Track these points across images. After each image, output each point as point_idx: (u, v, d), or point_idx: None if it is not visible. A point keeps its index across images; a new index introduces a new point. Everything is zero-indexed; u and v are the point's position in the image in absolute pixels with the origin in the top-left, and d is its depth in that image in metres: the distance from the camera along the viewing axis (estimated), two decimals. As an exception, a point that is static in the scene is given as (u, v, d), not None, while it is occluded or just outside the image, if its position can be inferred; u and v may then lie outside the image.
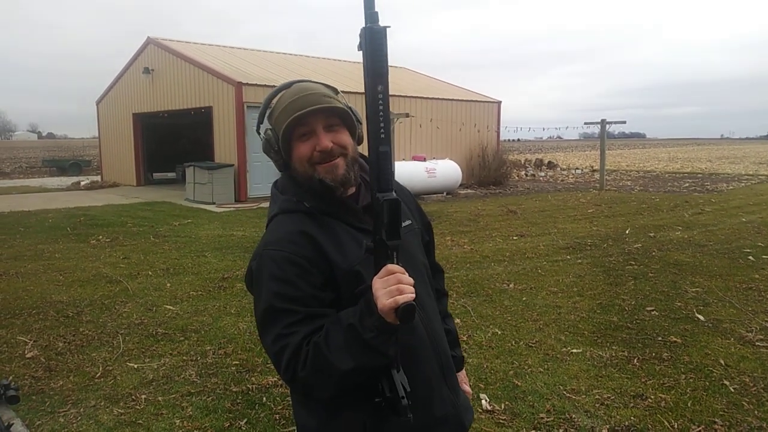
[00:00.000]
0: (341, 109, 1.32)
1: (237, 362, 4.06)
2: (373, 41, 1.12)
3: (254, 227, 9.97)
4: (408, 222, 1.44)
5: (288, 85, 1.37)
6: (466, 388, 1.62)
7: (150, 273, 6.65)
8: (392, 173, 1.17)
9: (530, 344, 4.32)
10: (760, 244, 7.83)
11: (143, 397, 3.55)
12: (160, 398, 3.53)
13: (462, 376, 1.64)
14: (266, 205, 11.03)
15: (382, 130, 1.15)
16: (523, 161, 27.00)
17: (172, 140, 20.68)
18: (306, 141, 1.31)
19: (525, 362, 3.99)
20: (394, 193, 1.16)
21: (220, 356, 4.18)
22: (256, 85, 14.12)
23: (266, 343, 1.27)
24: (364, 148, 1.38)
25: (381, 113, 1.14)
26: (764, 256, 7.03)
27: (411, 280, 1.15)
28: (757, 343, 4.22)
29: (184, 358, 4.16)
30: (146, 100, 17.74)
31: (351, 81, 16.98)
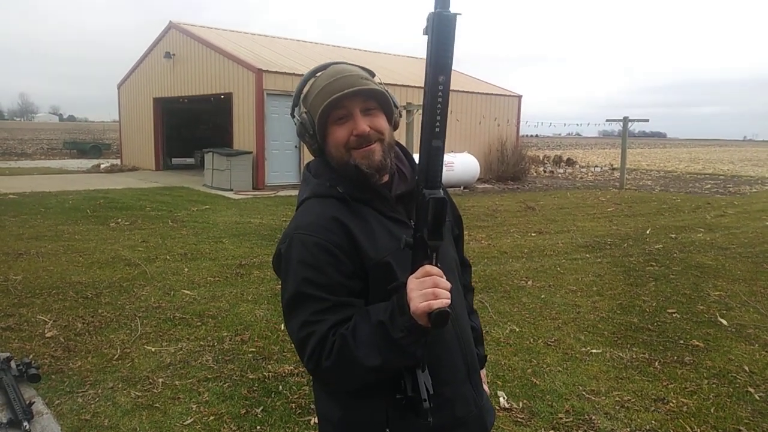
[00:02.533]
0: (379, 92, 1.27)
1: (254, 349, 4.06)
2: (440, 28, 1.03)
3: (272, 215, 9.99)
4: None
5: (324, 67, 1.32)
6: (485, 387, 1.58)
7: (168, 257, 6.68)
8: (442, 170, 1.11)
9: (549, 343, 4.27)
10: (785, 249, 7.67)
11: (160, 380, 3.56)
12: (177, 382, 3.54)
13: (482, 374, 1.61)
14: (284, 193, 11.06)
15: (437, 124, 1.09)
16: (541, 157, 26.74)
17: (191, 126, 20.79)
18: (342, 124, 1.26)
19: (543, 361, 3.94)
20: (442, 191, 1.10)
21: (237, 343, 4.18)
22: (276, 72, 14.11)
23: (291, 329, 1.24)
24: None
25: (439, 106, 1.08)
26: (789, 262, 6.88)
27: (448, 285, 1.11)
28: (782, 351, 4.13)
29: (201, 343, 4.17)
30: (167, 84, 17.82)
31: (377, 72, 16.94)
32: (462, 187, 15.30)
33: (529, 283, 5.87)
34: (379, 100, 1.29)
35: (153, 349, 4.04)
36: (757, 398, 3.42)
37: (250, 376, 3.64)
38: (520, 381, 3.62)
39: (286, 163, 14.48)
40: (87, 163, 21.39)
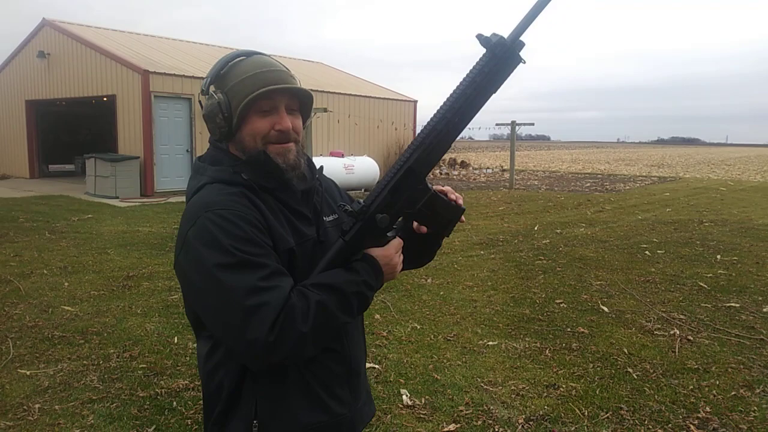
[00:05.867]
0: (308, 95, 1.30)
1: (144, 365, 3.81)
2: (498, 66, 1.17)
3: (161, 223, 9.47)
4: (334, 216, 1.38)
5: (247, 54, 1.28)
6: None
7: (45, 272, 6.12)
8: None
9: (448, 338, 4.38)
10: (654, 240, 8.43)
11: (37, 406, 3.23)
12: (56, 407, 3.23)
13: None
14: (175, 200, 10.51)
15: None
16: (437, 160, 27.49)
17: (71, 130, 19.22)
18: (265, 117, 1.24)
19: (444, 356, 4.03)
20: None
21: (125, 359, 3.90)
22: (164, 74, 13.42)
23: (232, 301, 1.10)
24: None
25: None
26: (659, 251, 7.57)
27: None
28: (655, 332, 4.51)
29: (85, 362, 3.85)
30: (42, 86, 16.38)
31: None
32: (363, 190, 15.41)
33: (429, 280, 6.00)
34: (302, 102, 1.31)
35: (28, 373, 3.66)
36: (635, 377, 3.71)
37: (141, 394, 3.41)
38: (422, 377, 3.68)
39: (176, 167, 13.81)
40: (-54, 171, 19.14)
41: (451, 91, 1.20)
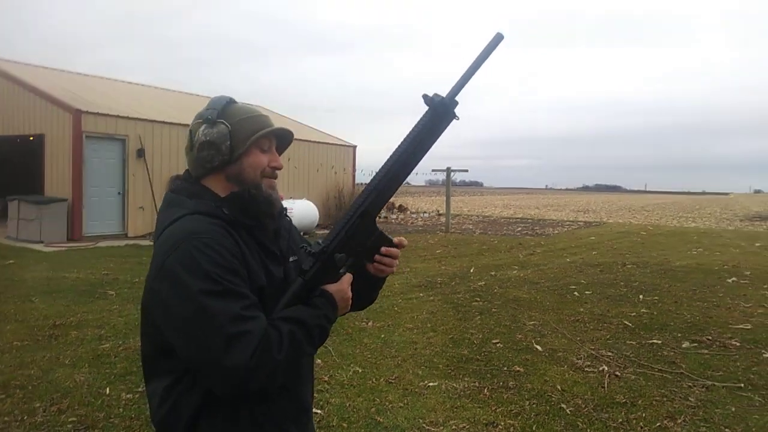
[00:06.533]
0: (290, 141, 1.49)
1: (74, 418, 3.62)
2: (438, 121, 1.35)
3: (90, 269, 9.08)
4: (294, 258, 1.46)
5: (231, 98, 1.42)
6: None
7: (-40, 321, 5.73)
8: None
9: (390, 380, 4.42)
10: (582, 281, 8.85)
11: (-48, 467, 3.01)
12: (-25, 467, 3.02)
13: None
14: (105, 244, 10.17)
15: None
16: (375, 204, 27.84)
17: (-9, 170, 18.22)
18: (264, 153, 1.39)
19: (386, 398, 4.06)
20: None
21: (53, 413, 3.70)
22: (97, 113, 13.08)
23: (216, 327, 1.14)
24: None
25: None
26: (587, 292, 7.96)
27: None
28: (585, 369, 4.73)
29: (6, 419, 3.61)
30: (-41, 123, 15.55)
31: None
32: (302, 233, 15.33)
33: (370, 324, 6.04)
34: (282, 147, 1.48)
35: (-58, 431, 3.41)
36: (569, 412, 3.87)
37: (70, 449, 3.24)
38: (365, 421, 3.69)
39: (107, 211, 13.33)
40: None
41: (399, 143, 1.37)
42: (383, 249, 1.43)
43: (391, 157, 1.36)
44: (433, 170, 20.09)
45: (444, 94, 1.34)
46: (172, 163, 14.44)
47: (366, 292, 1.51)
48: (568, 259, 11.50)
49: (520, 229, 19.91)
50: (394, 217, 24.10)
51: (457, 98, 1.35)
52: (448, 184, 18.88)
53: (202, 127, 1.36)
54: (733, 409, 3.92)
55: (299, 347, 1.24)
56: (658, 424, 3.68)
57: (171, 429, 1.28)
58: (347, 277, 1.39)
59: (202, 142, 1.34)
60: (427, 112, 1.35)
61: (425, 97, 1.34)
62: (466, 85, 1.36)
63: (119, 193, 13.47)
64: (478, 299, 7.38)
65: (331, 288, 1.36)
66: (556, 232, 18.73)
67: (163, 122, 14.47)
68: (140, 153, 13.65)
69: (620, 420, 3.74)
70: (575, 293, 7.88)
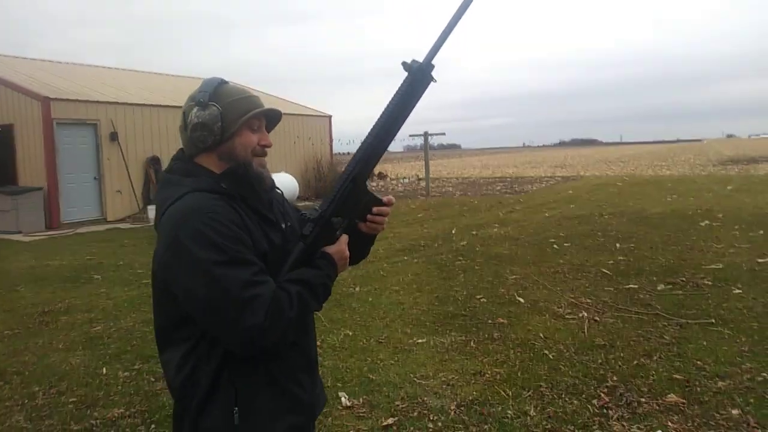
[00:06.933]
0: (279, 120, 1.55)
1: (74, 399, 3.71)
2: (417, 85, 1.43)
3: (73, 255, 9.05)
4: (288, 224, 1.55)
5: (222, 80, 1.47)
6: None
7: (-52, 315, 5.73)
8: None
9: (380, 340, 4.57)
10: (561, 234, 9.07)
11: (-40, 452, 3.10)
12: (-18, 450, 3.11)
13: None
14: (84, 230, 10.12)
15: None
16: (354, 173, 27.87)
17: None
18: (254, 132, 1.46)
19: (377, 357, 4.21)
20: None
21: (53, 396, 3.78)
22: (67, 100, 12.82)
23: (230, 294, 1.24)
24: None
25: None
26: (565, 244, 8.17)
27: None
28: (566, 317, 4.93)
29: (8, 404, 3.69)
30: None
31: (174, 95, 16.22)
32: (282, 207, 15.37)
33: (357, 289, 6.18)
34: (271, 125, 1.55)
35: (-56, 420, 3.47)
36: (551, 358, 4.06)
37: (75, 428, 3.34)
38: (359, 379, 3.84)
39: (84, 197, 13.18)
40: None
41: (383, 110, 1.45)
42: (374, 209, 1.52)
43: (376, 123, 1.44)
44: (410, 135, 20.12)
45: (421, 60, 1.42)
46: (146, 144, 14.26)
47: (360, 248, 1.60)
48: (546, 214, 11.72)
49: (499, 188, 20.13)
50: (374, 184, 24.16)
51: (433, 62, 1.43)
52: (426, 149, 18.94)
53: (195, 110, 1.41)
54: (705, 344, 4.15)
55: (307, 305, 1.36)
56: (635, 362, 3.89)
57: (192, 392, 1.38)
58: (344, 238, 1.50)
59: (194, 124, 1.40)
60: (406, 78, 1.42)
61: (404, 64, 1.42)
62: (442, 47, 1.43)
63: (95, 178, 13.31)
64: (461, 258, 7.55)
65: (330, 249, 1.47)
66: (535, 188, 18.98)
67: (135, 104, 14.23)
68: (113, 137, 13.45)
69: (600, 361, 3.94)
70: (554, 246, 8.09)
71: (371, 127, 1.45)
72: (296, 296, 1.33)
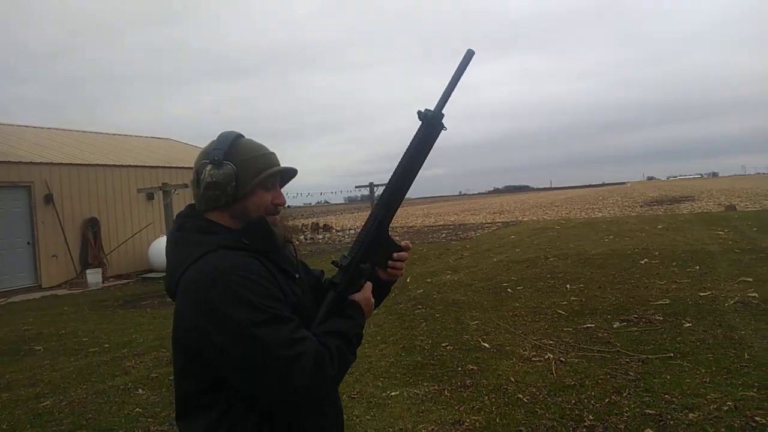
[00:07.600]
0: (293, 177, 1.54)
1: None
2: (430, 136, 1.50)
3: (7, 326, 8.44)
4: (298, 276, 1.54)
5: (239, 134, 1.46)
6: None
7: None
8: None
9: (352, 396, 4.47)
10: (512, 278, 9.29)
11: None
12: None
13: None
14: (18, 299, 9.53)
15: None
16: (300, 226, 27.75)
17: None
18: (267, 192, 1.44)
19: (352, 413, 4.11)
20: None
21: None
22: (-2, 162, 12.23)
23: (275, 354, 1.21)
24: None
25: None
26: (519, 288, 8.37)
27: None
28: (533, 359, 5.01)
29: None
30: None
31: (112, 154, 15.82)
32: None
33: (320, 344, 6.05)
34: (286, 183, 1.55)
35: None
36: (526, 401, 4.09)
37: None
38: (336, 438, 3.72)
39: (17, 263, 12.42)
40: None
41: (402, 156, 1.51)
42: (395, 254, 1.54)
43: (396, 169, 1.49)
44: (356, 186, 20.37)
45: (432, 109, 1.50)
46: (84, 206, 13.71)
47: (380, 295, 1.62)
48: (495, 259, 11.98)
49: (444, 235, 20.47)
50: (320, 236, 24.06)
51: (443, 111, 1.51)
52: (372, 199, 19.13)
53: (209, 167, 1.38)
54: (669, 377, 4.31)
55: (346, 359, 1.36)
56: (607, 400, 3.98)
57: None
58: (368, 285, 1.51)
59: (208, 183, 1.38)
60: (421, 125, 1.49)
61: (419, 113, 1.49)
62: (452, 97, 1.52)
63: (28, 242, 12.61)
64: (420, 306, 7.57)
65: (358, 297, 1.48)
66: (479, 234, 19.43)
67: (71, 164, 13.73)
68: (49, 198, 12.87)
69: (573, 401, 4.01)
70: (508, 290, 8.26)
71: (392, 173, 1.50)
72: (336, 351, 1.32)
